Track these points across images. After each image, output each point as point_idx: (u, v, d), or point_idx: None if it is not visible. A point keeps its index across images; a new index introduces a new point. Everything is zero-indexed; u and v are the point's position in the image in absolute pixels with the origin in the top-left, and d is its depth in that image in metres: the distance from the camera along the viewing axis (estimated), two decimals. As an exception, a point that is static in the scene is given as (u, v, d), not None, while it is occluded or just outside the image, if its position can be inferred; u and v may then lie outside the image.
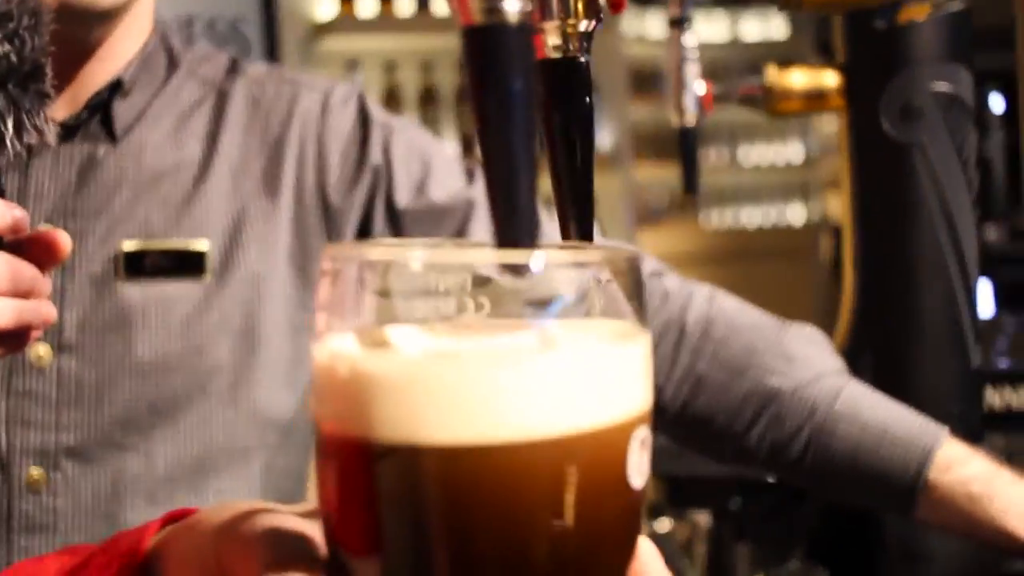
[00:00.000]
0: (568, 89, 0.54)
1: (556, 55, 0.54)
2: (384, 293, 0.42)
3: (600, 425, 0.41)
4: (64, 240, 0.83)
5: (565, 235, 0.57)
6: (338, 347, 0.43)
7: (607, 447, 0.42)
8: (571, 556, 0.41)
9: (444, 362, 0.41)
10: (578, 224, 0.56)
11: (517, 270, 0.41)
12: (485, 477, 0.40)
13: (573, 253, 0.45)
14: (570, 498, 0.41)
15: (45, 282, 0.84)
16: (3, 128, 0.80)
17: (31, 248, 0.83)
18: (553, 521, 0.41)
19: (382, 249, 0.43)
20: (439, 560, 0.41)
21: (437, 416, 0.40)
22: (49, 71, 0.83)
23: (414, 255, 0.43)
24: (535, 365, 0.40)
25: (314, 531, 0.47)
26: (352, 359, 0.41)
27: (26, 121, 0.81)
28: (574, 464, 0.41)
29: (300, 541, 0.46)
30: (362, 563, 0.42)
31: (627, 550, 0.45)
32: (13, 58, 0.80)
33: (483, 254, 0.43)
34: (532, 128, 0.43)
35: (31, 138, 0.86)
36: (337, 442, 0.42)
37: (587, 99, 0.55)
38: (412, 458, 0.40)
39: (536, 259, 0.41)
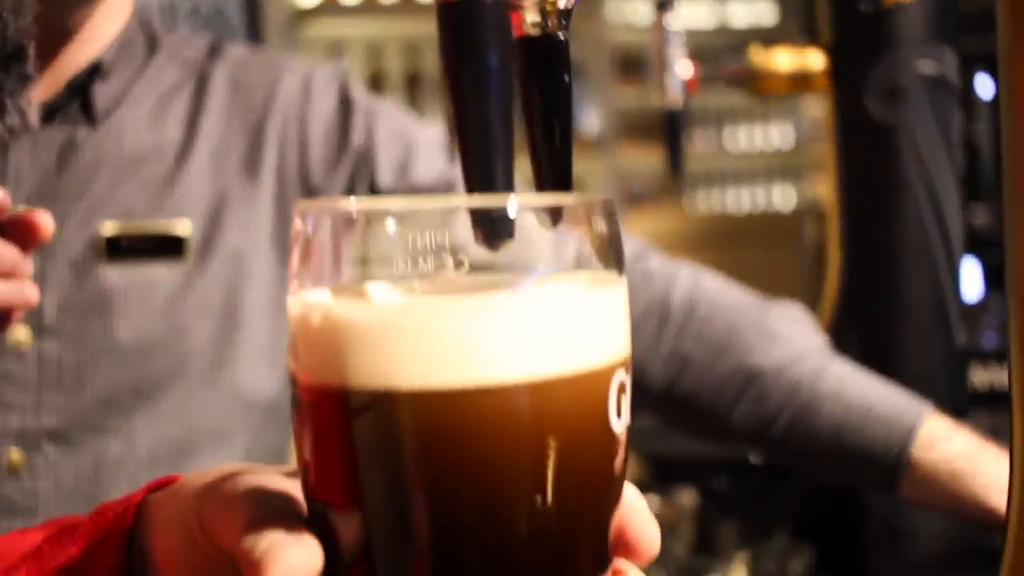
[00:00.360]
0: (547, 67, 0.54)
1: (534, 32, 0.54)
2: (360, 250, 0.42)
3: (577, 370, 0.41)
4: (46, 222, 0.83)
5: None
6: (313, 298, 0.42)
7: (586, 391, 0.42)
8: (553, 501, 0.41)
9: (418, 308, 0.41)
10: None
11: (493, 223, 0.41)
12: (462, 422, 0.39)
13: (547, 198, 0.45)
14: (549, 442, 0.41)
15: (27, 263, 0.83)
16: None
17: (13, 229, 0.82)
18: (533, 465, 0.41)
19: (357, 202, 0.43)
20: (418, 508, 0.40)
21: (413, 362, 0.39)
22: (32, 53, 0.82)
23: (391, 205, 0.42)
24: (509, 309, 0.40)
25: (296, 490, 0.47)
26: (326, 307, 0.41)
27: (8, 103, 0.81)
28: (551, 408, 0.40)
29: (281, 499, 0.46)
30: (342, 516, 0.42)
31: (610, 495, 0.44)
32: None
33: (459, 200, 0.43)
34: (509, 106, 0.43)
35: (14, 120, 0.85)
36: (313, 392, 0.42)
37: (566, 77, 0.55)
38: (389, 404, 0.40)
39: (511, 203, 0.41)
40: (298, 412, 0.43)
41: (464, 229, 0.42)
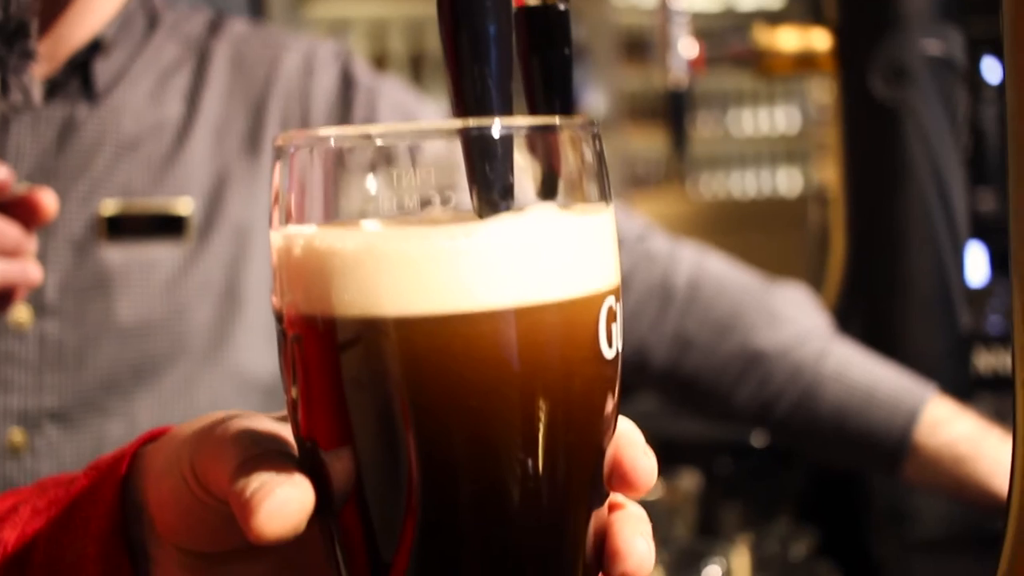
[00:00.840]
0: (547, 38, 0.53)
1: (535, 2, 0.53)
2: (344, 186, 0.42)
3: (563, 297, 0.40)
4: (49, 200, 0.82)
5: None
6: (296, 230, 0.42)
7: (573, 318, 0.41)
8: (543, 430, 0.40)
9: (401, 236, 0.40)
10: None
11: (489, 186, 0.40)
12: (447, 348, 0.39)
13: (533, 119, 0.44)
14: (536, 369, 0.40)
15: (31, 242, 0.83)
16: None
17: (16, 208, 0.82)
18: (521, 393, 0.40)
19: (340, 130, 0.42)
20: (407, 439, 0.40)
21: (396, 289, 0.39)
22: (34, 30, 0.81)
23: (373, 130, 0.41)
24: (490, 236, 0.40)
25: (286, 432, 0.46)
26: (310, 238, 0.41)
27: (12, 80, 0.80)
28: (537, 335, 0.40)
29: (271, 439, 0.45)
30: (331, 452, 0.42)
31: (603, 424, 0.43)
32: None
33: (441, 122, 0.42)
34: (508, 75, 0.42)
35: (17, 98, 0.85)
36: (298, 325, 0.41)
37: (567, 49, 0.54)
38: (374, 331, 0.39)
39: (495, 126, 0.40)
40: (284, 350, 0.43)
41: (453, 170, 0.41)
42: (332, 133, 0.42)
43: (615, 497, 0.46)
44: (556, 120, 0.43)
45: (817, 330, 1.11)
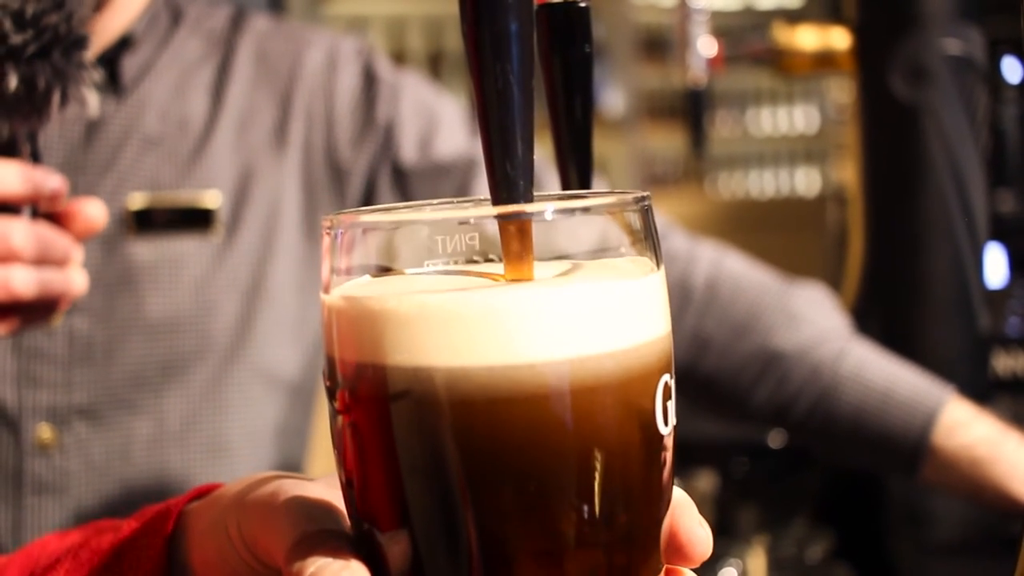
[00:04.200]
0: (568, 35, 0.53)
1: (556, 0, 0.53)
2: (391, 257, 0.42)
3: (618, 349, 0.40)
4: (97, 212, 0.84)
5: (565, 185, 0.56)
6: (351, 290, 0.42)
7: (628, 379, 0.41)
8: (600, 495, 0.40)
9: (450, 299, 0.40)
10: (578, 173, 0.55)
11: (510, 186, 0.41)
12: (494, 396, 0.39)
13: (582, 200, 0.44)
14: (590, 427, 0.39)
15: (78, 252, 0.84)
16: (50, 98, 0.80)
17: (65, 218, 0.83)
18: (575, 451, 0.39)
19: (383, 214, 0.43)
20: (462, 508, 0.40)
21: (448, 346, 0.39)
22: (91, 41, 0.82)
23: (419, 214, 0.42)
24: (538, 295, 0.40)
25: (336, 498, 0.46)
26: (363, 301, 0.41)
27: (71, 91, 0.81)
28: (597, 394, 0.39)
29: (325, 513, 0.45)
30: (388, 535, 0.42)
31: (658, 497, 0.43)
32: (62, 28, 0.79)
33: (488, 209, 0.42)
34: (529, 72, 0.42)
35: (75, 110, 0.85)
36: (355, 381, 0.41)
37: (587, 46, 0.54)
38: (426, 381, 0.39)
39: (548, 211, 0.41)
40: (336, 431, 0.43)
41: (493, 230, 0.42)
42: (375, 215, 0.43)
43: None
44: (608, 199, 0.43)
45: (835, 331, 1.10)
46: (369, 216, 0.43)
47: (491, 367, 0.39)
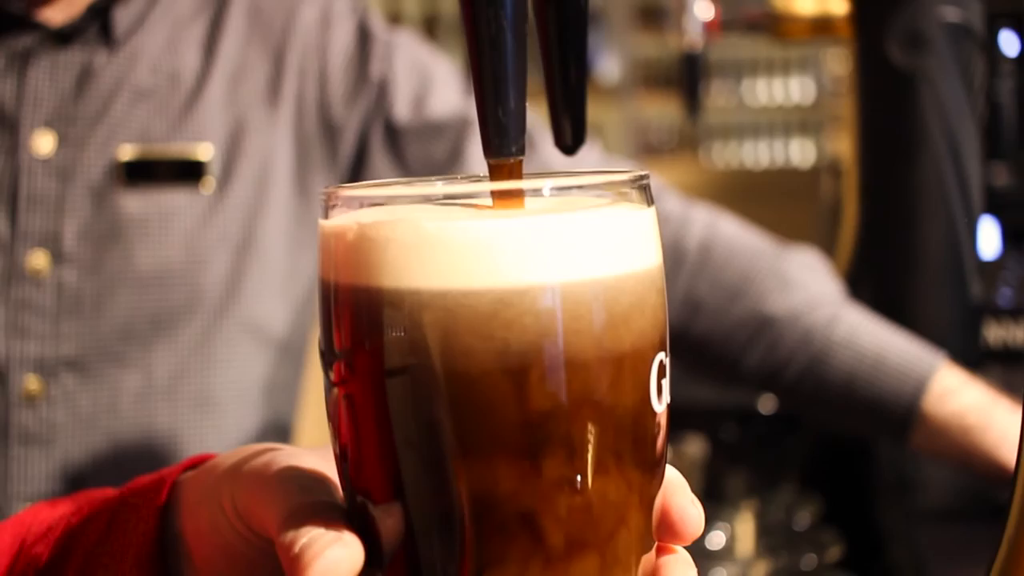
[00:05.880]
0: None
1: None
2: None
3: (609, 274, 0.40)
4: None
5: (558, 139, 0.55)
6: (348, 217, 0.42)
7: (617, 295, 0.41)
8: (594, 459, 0.40)
9: (444, 227, 0.40)
10: (572, 128, 0.55)
11: (502, 132, 0.41)
12: (475, 317, 0.39)
13: (580, 177, 0.44)
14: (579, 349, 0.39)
15: None
16: None
17: None
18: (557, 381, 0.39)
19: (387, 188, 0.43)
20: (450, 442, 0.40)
21: (436, 270, 0.39)
22: None
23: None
24: (534, 220, 0.40)
25: (330, 470, 0.46)
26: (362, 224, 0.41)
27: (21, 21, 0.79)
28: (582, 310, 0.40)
29: (318, 483, 0.45)
30: (383, 508, 0.42)
31: (650, 465, 0.43)
32: None
33: (485, 184, 0.43)
34: (523, 19, 0.42)
35: (27, 41, 0.83)
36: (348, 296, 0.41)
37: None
38: (415, 302, 0.39)
39: (546, 187, 0.41)
40: (330, 401, 0.43)
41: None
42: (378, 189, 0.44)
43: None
44: (608, 177, 0.43)
45: (828, 296, 1.10)
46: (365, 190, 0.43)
47: (482, 290, 0.39)
